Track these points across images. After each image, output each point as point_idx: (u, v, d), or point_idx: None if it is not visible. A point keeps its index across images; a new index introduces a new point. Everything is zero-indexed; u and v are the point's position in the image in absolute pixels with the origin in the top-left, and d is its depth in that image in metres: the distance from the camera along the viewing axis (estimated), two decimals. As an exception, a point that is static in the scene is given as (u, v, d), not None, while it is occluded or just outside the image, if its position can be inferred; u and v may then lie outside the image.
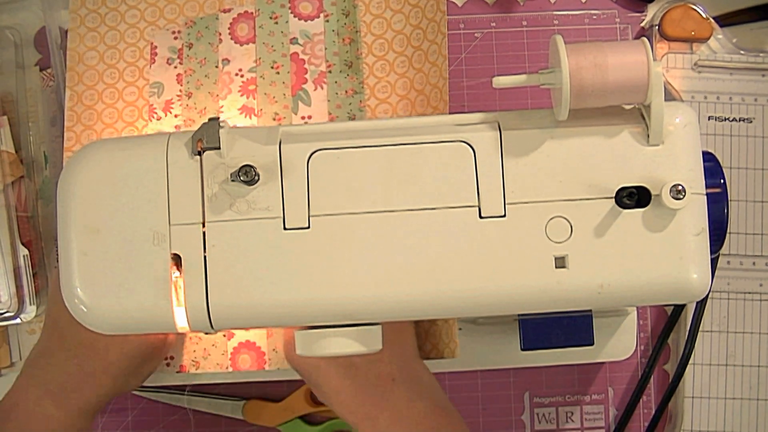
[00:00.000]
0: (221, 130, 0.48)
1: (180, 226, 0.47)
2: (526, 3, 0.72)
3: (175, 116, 0.67)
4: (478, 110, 0.51)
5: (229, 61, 0.68)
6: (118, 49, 0.69)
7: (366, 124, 0.51)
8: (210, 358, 0.65)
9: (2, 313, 0.68)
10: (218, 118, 0.49)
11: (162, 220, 0.47)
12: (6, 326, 0.69)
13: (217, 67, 0.68)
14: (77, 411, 0.57)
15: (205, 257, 0.47)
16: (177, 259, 0.47)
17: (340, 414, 0.57)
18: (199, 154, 0.48)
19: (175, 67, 0.68)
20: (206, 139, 0.48)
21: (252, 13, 0.68)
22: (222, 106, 0.67)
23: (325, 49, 0.67)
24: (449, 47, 0.71)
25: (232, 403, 0.69)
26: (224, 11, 0.69)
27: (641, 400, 0.70)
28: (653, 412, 0.69)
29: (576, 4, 0.72)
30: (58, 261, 0.52)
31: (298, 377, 0.60)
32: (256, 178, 0.47)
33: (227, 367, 0.65)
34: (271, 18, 0.68)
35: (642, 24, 0.72)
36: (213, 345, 0.65)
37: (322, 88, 0.67)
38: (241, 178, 0.47)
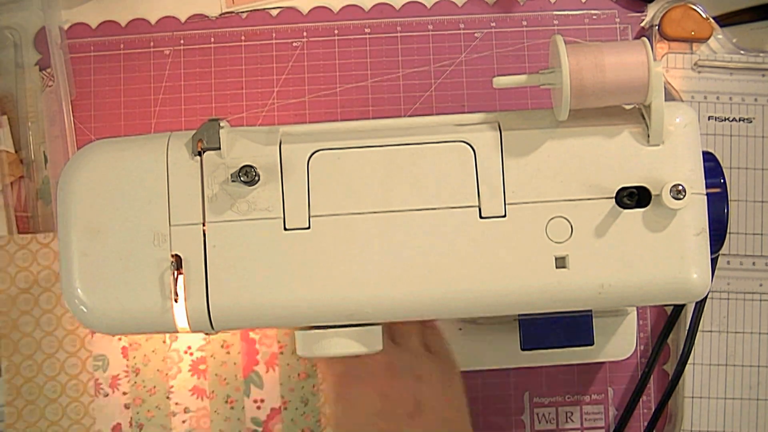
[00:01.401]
0: (221, 131, 0.48)
1: (180, 226, 0.47)
2: (526, 3, 0.72)
3: (123, 393, 0.65)
4: (478, 110, 0.51)
5: (177, 337, 0.66)
6: (55, 314, 0.66)
7: (366, 124, 0.51)
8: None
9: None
10: (218, 118, 0.49)
11: (162, 220, 0.47)
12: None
13: (164, 342, 0.66)
14: None
15: (205, 257, 0.47)
16: (177, 260, 0.47)
17: None
18: (200, 154, 0.48)
19: (120, 339, 0.66)
20: (206, 139, 0.48)
21: None
22: (172, 387, 0.65)
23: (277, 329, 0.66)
24: (449, 47, 0.71)
25: None
26: None
27: (641, 400, 0.69)
28: (653, 412, 0.69)
29: (576, 4, 0.72)
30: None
31: None
32: (257, 178, 0.47)
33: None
34: None
35: (642, 24, 0.72)
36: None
37: (274, 370, 0.65)
38: (242, 178, 0.47)
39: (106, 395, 0.65)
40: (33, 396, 0.65)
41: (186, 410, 0.64)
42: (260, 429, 0.65)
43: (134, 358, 0.65)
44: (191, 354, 0.65)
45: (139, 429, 0.65)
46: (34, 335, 0.65)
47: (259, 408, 0.65)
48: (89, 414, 0.65)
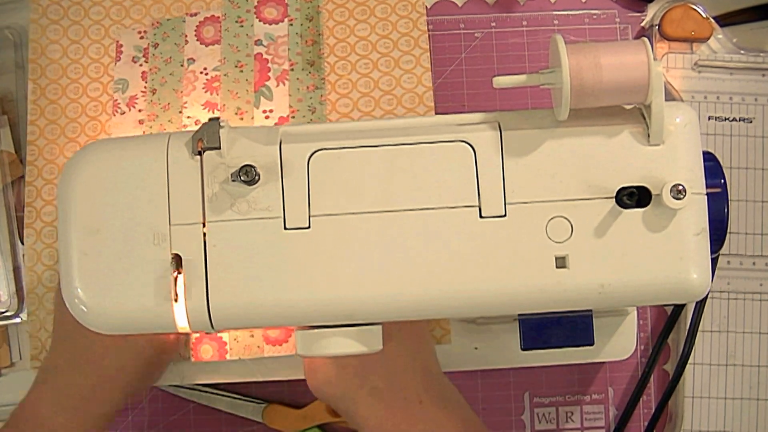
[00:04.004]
0: (221, 130, 0.48)
1: (180, 226, 0.47)
2: (526, 3, 0.72)
3: (139, 111, 0.69)
4: (478, 110, 0.51)
5: (194, 60, 0.69)
6: (83, 45, 0.70)
7: (366, 125, 0.51)
8: None
9: (2, 313, 0.68)
10: (218, 118, 0.49)
11: (162, 220, 0.47)
12: (6, 326, 0.69)
13: (182, 65, 0.69)
14: (92, 419, 0.58)
15: (205, 257, 0.47)
16: (177, 259, 0.47)
17: None
18: (200, 153, 0.48)
19: (141, 65, 0.70)
20: (206, 138, 0.48)
21: (218, 17, 0.70)
22: (186, 102, 0.68)
23: (288, 49, 0.69)
24: (449, 47, 0.71)
25: (253, 405, 0.70)
26: (191, 15, 0.71)
27: (641, 400, 0.69)
28: (653, 411, 0.69)
29: (576, 4, 0.72)
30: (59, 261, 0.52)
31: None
32: (257, 178, 0.47)
33: (189, 357, 0.66)
34: (236, 21, 0.70)
35: (642, 24, 0.72)
36: None
37: (284, 84, 0.69)
38: (242, 178, 0.47)
39: (123, 113, 0.69)
40: (55, 116, 0.69)
41: (197, 123, 0.68)
42: None
43: (152, 80, 0.69)
44: (206, 74, 0.69)
45: None
46: (61, 62, 0.70)
47: (267, 117, 0.68)
48: (105, 130, 0.69)
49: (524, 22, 0.71)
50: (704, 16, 0.69)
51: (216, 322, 0.48)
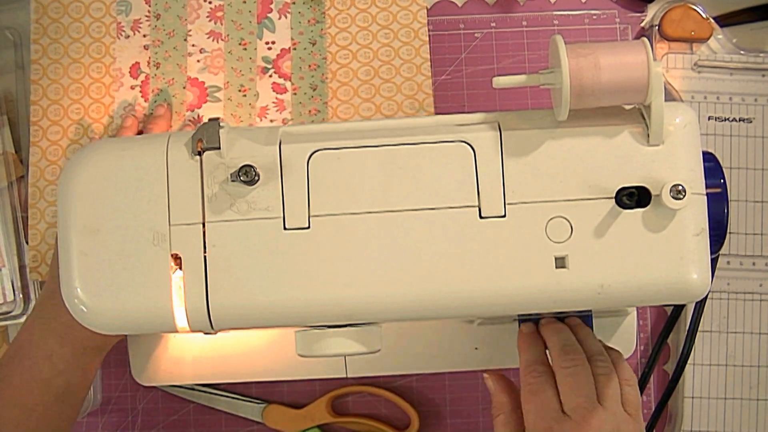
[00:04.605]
0: (221, 130, 0.48)
1: (180, 226, 0.47)
2: (526, 3, 0.72)
3: (144, 36, 0.70)
4: (478, 110, 0.51)
5: None
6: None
7: (366, 125, 0.51)
8: None
9: (9, 312, 0.68)
10: (218, 118, 0.49)
11: (162, 220, 0.47)
12: (10, 325, 0.69)
13: None
14: (82, 348, 0.58)
15: (205, 257, 0.47)
16: (177, 259, 0.47)
17: None
18: (199, 154, 0.48)
19: None
20: (206, 139, 0.48)
21: None
22: (190, 30, 0.70)
23: None
24: (449, 47, 0.71)
25: (253, 405, 0.70)
26: None
27: (641, 400, 0.69)
28: (653, 411, 0.69)
29: (576, 4, 0.72)
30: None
31: (317, 378, 0.60)
32: (256, 178, 0.47)
33: None
34: None
35: (642, 24, 0.72)
36: None
37: (285, 17, 0.71)
38: (241, 178, 0.47)
39: (128, 37, 0.71)
40: (58, 35, 0.70)
41: (202, 51, 0.70)
42: (270, 66, 0.70)
43: (156, 4, 0.70)
44: (210, 2, 0.71)
45: (156, 67, 0.70)
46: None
47: (270, 48, 0.70)
48: (110, 54, 0.70)
49: (524, 22, 0.71)
50: (704, 16, 0.69)
51: (216, 322, 0.48)
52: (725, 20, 0.70)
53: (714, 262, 0.57)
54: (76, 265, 0.48)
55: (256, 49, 0.70)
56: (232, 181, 0.47)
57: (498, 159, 0.48)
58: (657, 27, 0.69)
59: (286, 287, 0.47)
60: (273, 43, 0.71)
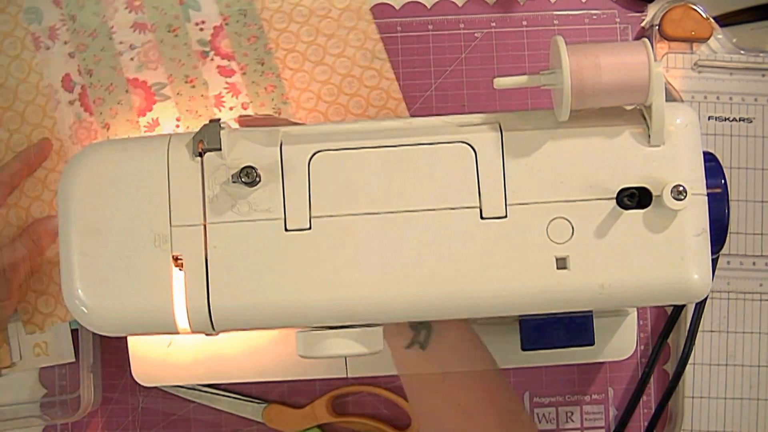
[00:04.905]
0: (222, 132, 0.48)
1: (181, 227, 0.47)
2: (526, 3, 0.72)
3: (65, 42, 0.64)
4: (478, 110, 0.51)
5: None
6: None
7: (367, 125, 0.51)
8: None
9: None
10: (219, 119, 0.49)
11: (163, 221, 0.47)
12: (6, 326, 0.69)
13: None
14: None
15: (206, 258, 0.47)
16: (178, 261, 0.47)
17: None
18: (200, 155, 0.48)
19: None
20: (207, 140, 0.48)
21: None
22: (113, 27, 0.64)
23: None
24: (449, 47, 0.71)
25: (253, 405, 0.70)
26: None
27: (641, 400, 0.70)
28: (653, 411, 0.69)
29: (576, 4, 0.72)
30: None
31: (318, 378, 0.59)
32: (257, 179, 0.47)
33: None
34: None
35: (642, 24, 0.72)
36: None
37: None
38: (242, 179, 0.47)
39: (48, 48, 0.64)
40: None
41: (132, 46, 0.64)
42: (208, 48, 0.65)
43: (68, 5, 0.64)
44: None
45: (89, 75, 0.63)
46: None
47: (201, 30, 0.65)
48: (34, 70, 0.63)
49: (524, 22, 0.71)
50: (704, 16, 0.69)
51: (217, 324, 0.48)
52: (725, 20, 0.70)
53: (714, 262, 0.57)
54: (76, 265, 0.48)
55: (187, 33, 0.64)
56: (233, 182, 0.47)
57: (499, 159, 0.48)
58: (657, 27, 0.70)
59: (287, 288, 0.47)
60: (203, 22, 0.65)
